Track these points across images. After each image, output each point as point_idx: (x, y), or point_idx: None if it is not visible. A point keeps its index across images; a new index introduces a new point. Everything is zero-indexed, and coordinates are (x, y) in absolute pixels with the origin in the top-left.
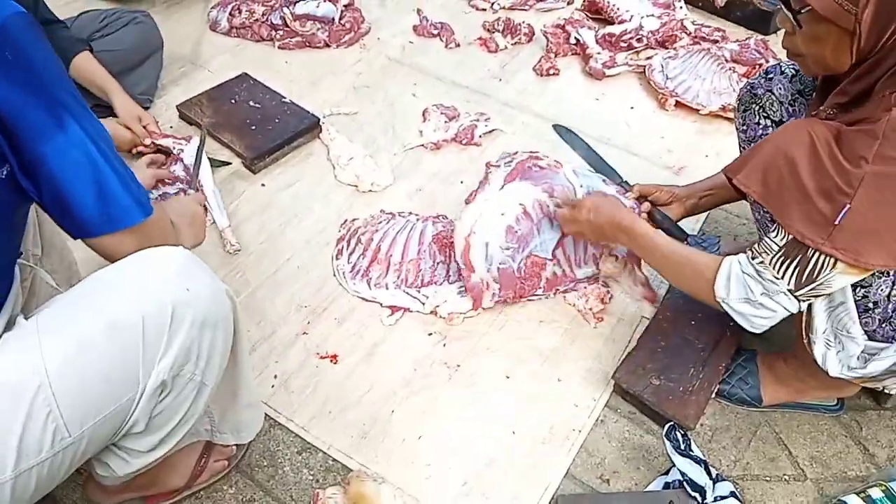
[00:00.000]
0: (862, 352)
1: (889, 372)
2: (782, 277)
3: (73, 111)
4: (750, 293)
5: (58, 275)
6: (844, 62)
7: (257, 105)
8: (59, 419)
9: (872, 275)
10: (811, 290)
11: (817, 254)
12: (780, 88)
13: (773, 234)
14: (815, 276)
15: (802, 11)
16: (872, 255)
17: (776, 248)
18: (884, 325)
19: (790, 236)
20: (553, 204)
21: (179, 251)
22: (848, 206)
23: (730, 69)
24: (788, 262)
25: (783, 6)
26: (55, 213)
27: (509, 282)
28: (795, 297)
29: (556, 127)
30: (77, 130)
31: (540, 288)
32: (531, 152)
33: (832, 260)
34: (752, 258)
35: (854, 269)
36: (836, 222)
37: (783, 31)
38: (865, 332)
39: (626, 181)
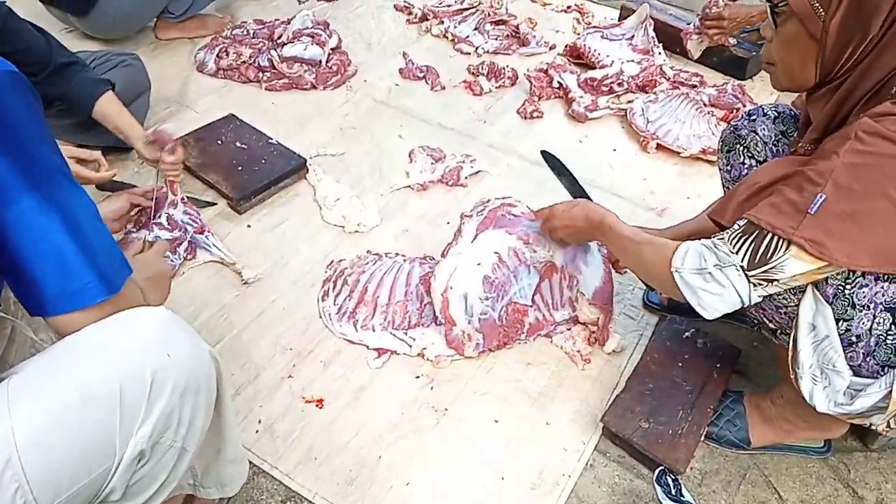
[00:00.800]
0: (848, 387)
1: (876, 408)
2: (736, 252)
3: (49, 177)
4: (703, 261)
5: (35, 324)
6: (809, 75)
7: (244, 146)
8: (28, 494)
9: (853, 307)
10: (763, 271)
11: (770, 235)
12: (763, 129)
13: (741, 220)
14: (768, 257)
15: (780, 5)
16: (837, 250)
17: (737, 227)
18: (868, 360)
19: (749, 219)
20: (528, 251)
21: (161, 312)
22: (822, 196)
23: (708, 113)
24: (744, 238)
25: (766, 1)
26: (11, 282)
27: (492, 331)
28: (747, 276)
29: (543, 153)
30: (47, 197)
31: (522, 333)
32: (503, 199)
33: (785, 242)
34: (712, 235)
35: (809, 256)
36: (811, 211)
37: (763, 70)
38: (851, 367)
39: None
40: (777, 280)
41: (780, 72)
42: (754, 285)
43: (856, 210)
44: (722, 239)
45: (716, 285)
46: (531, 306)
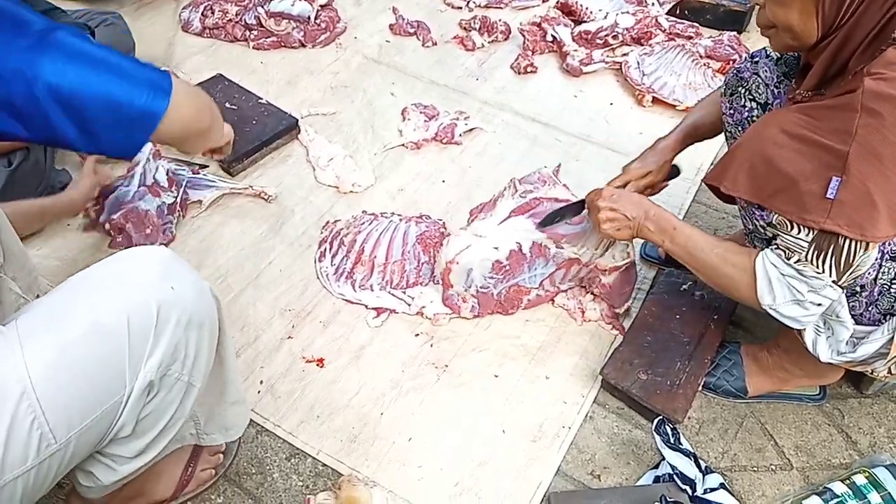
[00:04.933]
0: (851, 336)
1: (878, 354)
2: (823, 272)
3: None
4: (797, 294)
5: (20, 281)
6: (811, 30)
7: (234, 107)
8: (44, 426)
9: None
10: (850, 274)
11: (847, 240)
12: (765, 71)
13: (794, 230)
14: (851, 261)
15: None
16: (876, 227)
17: (805, 244)
18: (870, 309)
19: (815, 230)
20: (555, 249)
21: (162, 250)
22: (839, 179)
23: (704, 65)
24: (824, 254)
25: None
26: (107, 121)
27: (487, 302)
28: (839, 286)
29: (542, 223)
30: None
31: (520, 308)
32: (554, 180)
33: (864, 243)
34: (788, 258)
35: (873, 243)
36: (831, 196)
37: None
38: (852, 315)
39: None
40: (861, 274)
41: (782, 33)
42: (842, 287)
43: (879, 186)
44: (799, 261)
45: (814, 307)
46: (536, 288)
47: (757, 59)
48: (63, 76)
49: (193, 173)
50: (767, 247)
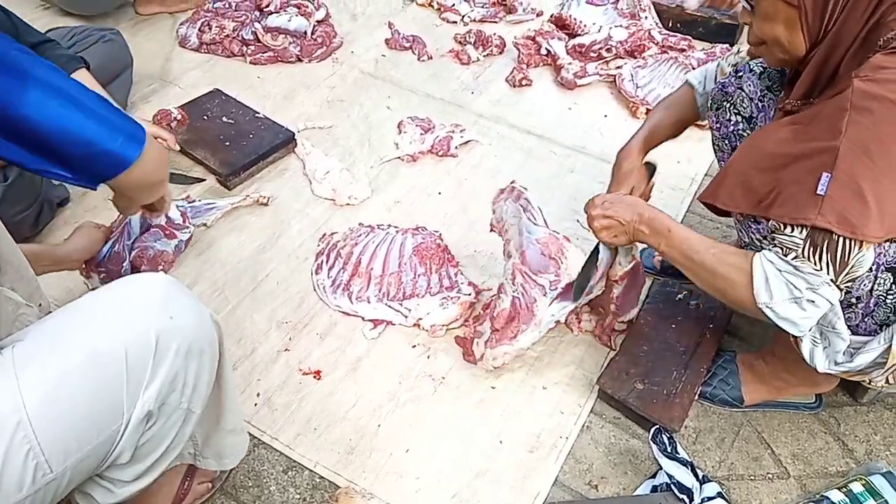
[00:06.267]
0: (847, 346)
1: (875, 364)
2: (821, 269)
3: (33, 66)
4: (795, 290)
5: (20, 291)
6: (799, 42)
7: (230, 121)
8: (39, 456)
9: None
10: (846, 274)
11: (840, 237)
12: (749, 85)
13: (788, 230)
14: (847, 259)
15: None
16: (867, 225)
17: (800, 241)
18: (866, 320)
19: (808, 228)
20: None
21: (161, 277)
22: (829, 175)
23: None
24: (820, 251)
25: None
26: (70, 170)
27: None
28: (837, 286)
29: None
30: (43, 79)
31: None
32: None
33: (857, 242)
34: (785, 255)
35: (871, 241)
36: (821, 192)
37: (748, 30)
38: (849, 326)
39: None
40: (859, 276)
41: (772, 47)
42: (840, 289)
43: (870, 184)
44: (796, 258)
45: (812, 308)
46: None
47: (741, 73)
48: (43, 111)
49: (189, 202)
50: None
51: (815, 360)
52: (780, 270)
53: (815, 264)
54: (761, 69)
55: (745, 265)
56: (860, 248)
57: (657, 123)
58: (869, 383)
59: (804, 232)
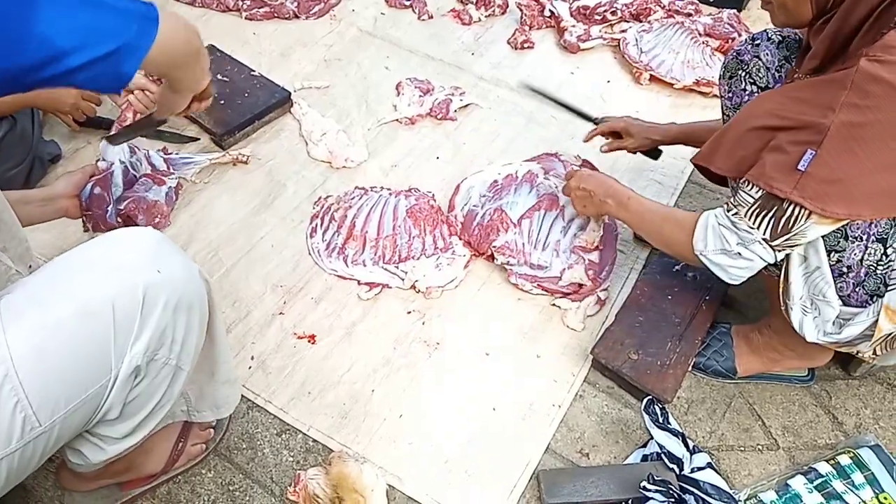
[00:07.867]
0: (837, 317)
1: (863, 336)
2: (757, 228)
3: None
4: (726, 244)
5: (10, 252)
6: (805, 8)
7: (225, 79)
8: (27, 409)
9: (846, 238)
10: (786, 240)
11: (792, 205)
12: (766, 54)
13: (747, 186)
14: (790, 226)
15: None
16: (838, 205)
17: (751, 200)
18: (857, 290)
19: (763, 190)
20: (542, 177)
21: (150, 232)
22: (813, 152)
23: (703, 43)
24: (764, 213)
25: None
26: (93, 66)
27: (469, 224)
28: (771, 246)
29: (524, 86)
30: None
31: (492, 244)
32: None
33: (806, 211)
34: (728, 210)
35: (826, 219)
36: (801, 168)
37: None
38: (840, 297)
39: (598, 118)
40: (800, 244)
41: (777, 8)
42: (778, 250)
43: (852, 166)
44: (737, 214)
45: (743, 261)
46: (514, 226)
47: (758, 41)
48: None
49: (167, 153)
50: None
51: (804, 330)
52: (719, 224)
53: (753, 222)
54: (780, 38)
55: (691, 220)
56: (808, 218)
57: (699, 127)
58: (857, 354)
59: (760, 192)
